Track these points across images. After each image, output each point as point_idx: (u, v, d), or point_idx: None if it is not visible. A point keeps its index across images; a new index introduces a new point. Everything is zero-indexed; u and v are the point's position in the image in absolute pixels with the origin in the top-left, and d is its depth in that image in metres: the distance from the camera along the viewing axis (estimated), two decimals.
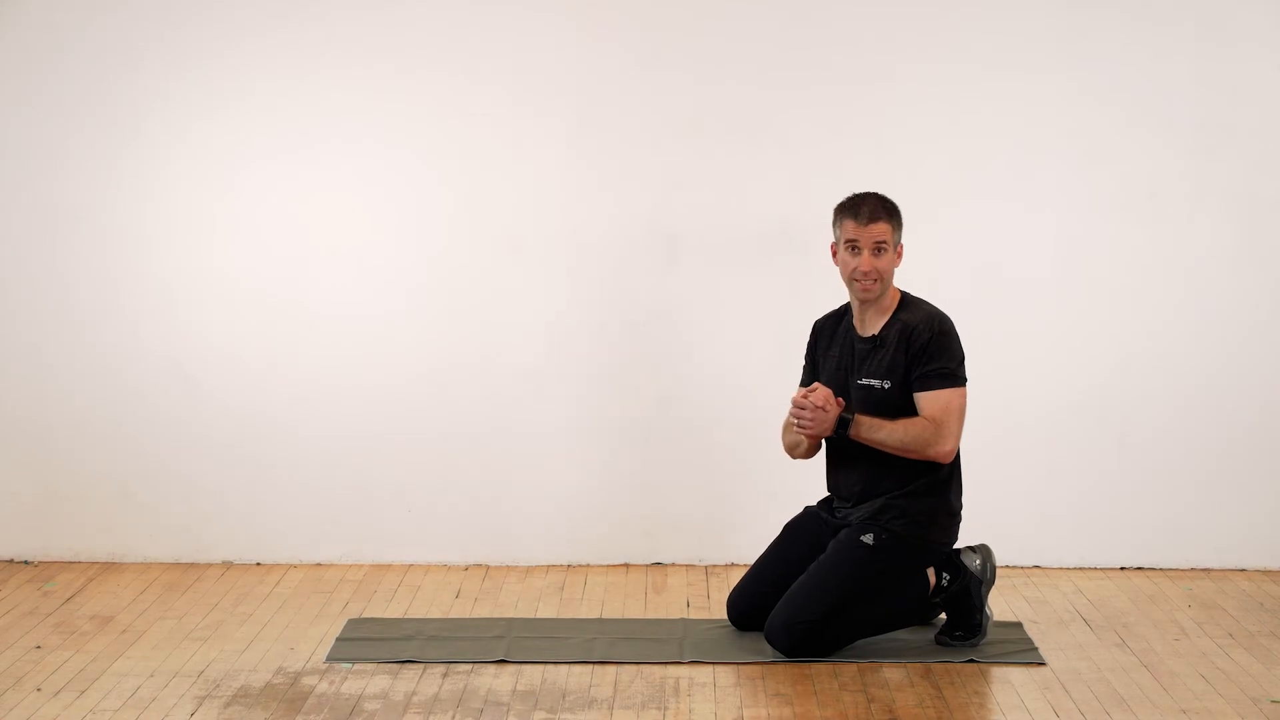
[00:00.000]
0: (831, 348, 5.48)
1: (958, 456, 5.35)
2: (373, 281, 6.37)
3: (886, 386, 5.30)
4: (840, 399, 5.29)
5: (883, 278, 5.32)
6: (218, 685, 5.00)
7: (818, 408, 5.27)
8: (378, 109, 6.31)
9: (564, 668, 5.15)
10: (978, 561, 5.38)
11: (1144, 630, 5.58)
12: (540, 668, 5.15)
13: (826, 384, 5.36)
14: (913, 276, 6.33)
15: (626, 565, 6.33)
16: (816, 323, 5.58)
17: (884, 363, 5.32)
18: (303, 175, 6.33)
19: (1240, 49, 6.23)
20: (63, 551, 6.42)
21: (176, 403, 6.39)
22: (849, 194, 5.40)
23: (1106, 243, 6.31)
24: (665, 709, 4.82)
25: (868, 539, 5.28)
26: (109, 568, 6.34)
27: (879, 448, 5.27)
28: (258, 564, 6.41)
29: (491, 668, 5.15)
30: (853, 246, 5.31)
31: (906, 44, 6.26)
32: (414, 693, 4.94)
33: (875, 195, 5.36)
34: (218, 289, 6.37)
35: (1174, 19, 6.23)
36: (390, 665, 5.16)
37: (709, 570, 6.30)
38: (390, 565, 6.37)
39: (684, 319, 6.35)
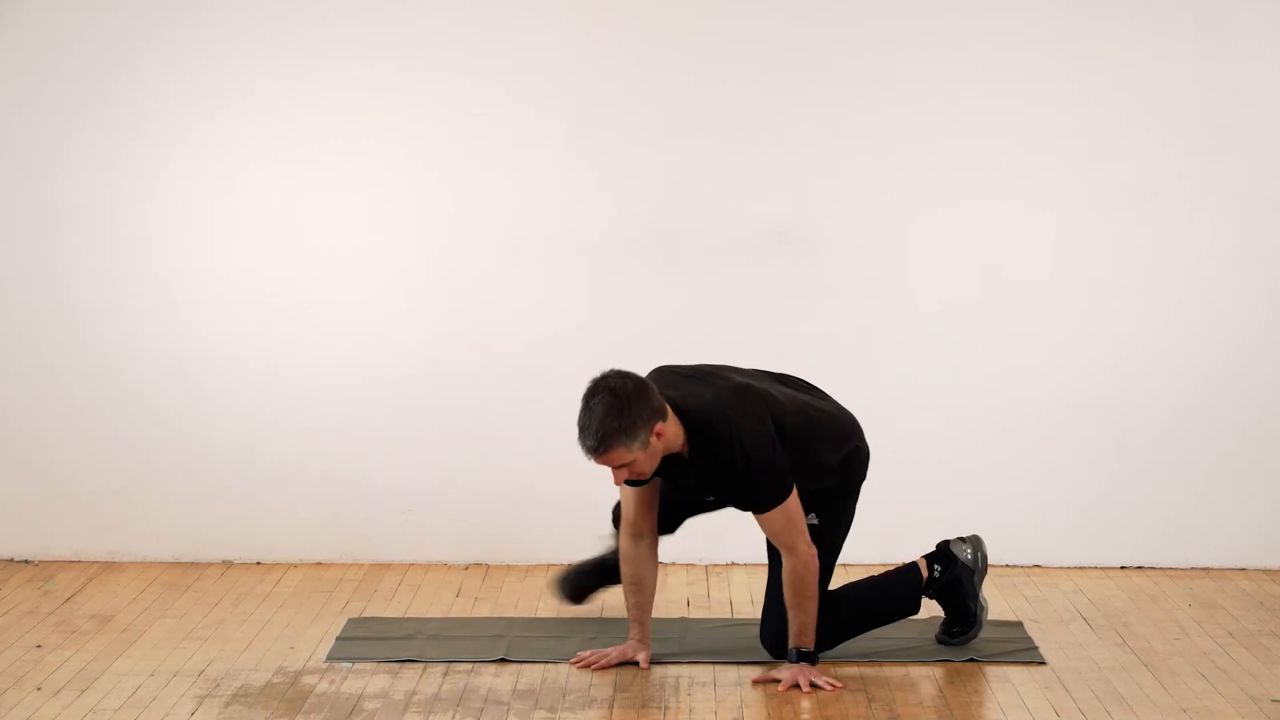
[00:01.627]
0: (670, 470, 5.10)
1: (799, 417, 5.07)
2: (373, 281, 6.36)
3: (709, 500, 5.19)
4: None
5: (644, 476, 4.93)
6: (218, 685, 5.00)
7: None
8: (378, 109, 6.30)
9: (564, 668, 5.15)
10: (969, 551, 5.35)
11: (1144, 630, 5.58)
12: (540, 668, 5.15)
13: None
14: (913, 276, 6.34)
15: None
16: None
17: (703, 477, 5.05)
18: (303, 175, 6.33)
19: (1240, 49, 6.23)
20: (63, 551, 6.42)
21: (176, 403, 6.39)
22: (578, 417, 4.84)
23: (1106, 243, 6.31)
24: (665, 709, 4.82)
25: (812, 519, 5.18)
26: (109, 568, 6.34)
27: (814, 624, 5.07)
28: (258, 564, 6.40)
29: (491, 667, 5.15)
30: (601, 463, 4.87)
31: (906, 44, 6.26)
32: (414, 692, 4.93)
33: (595, 418, 4.77)
34: (218, 289, 6.36)
35: (1174, 19, 6.23)
36: (390, 665, 5.16)
37: (709, 570, 6.30)
38: (390, 565, 6.37)
39: (684, 319, 6.35)
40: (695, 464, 4.96)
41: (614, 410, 4.79)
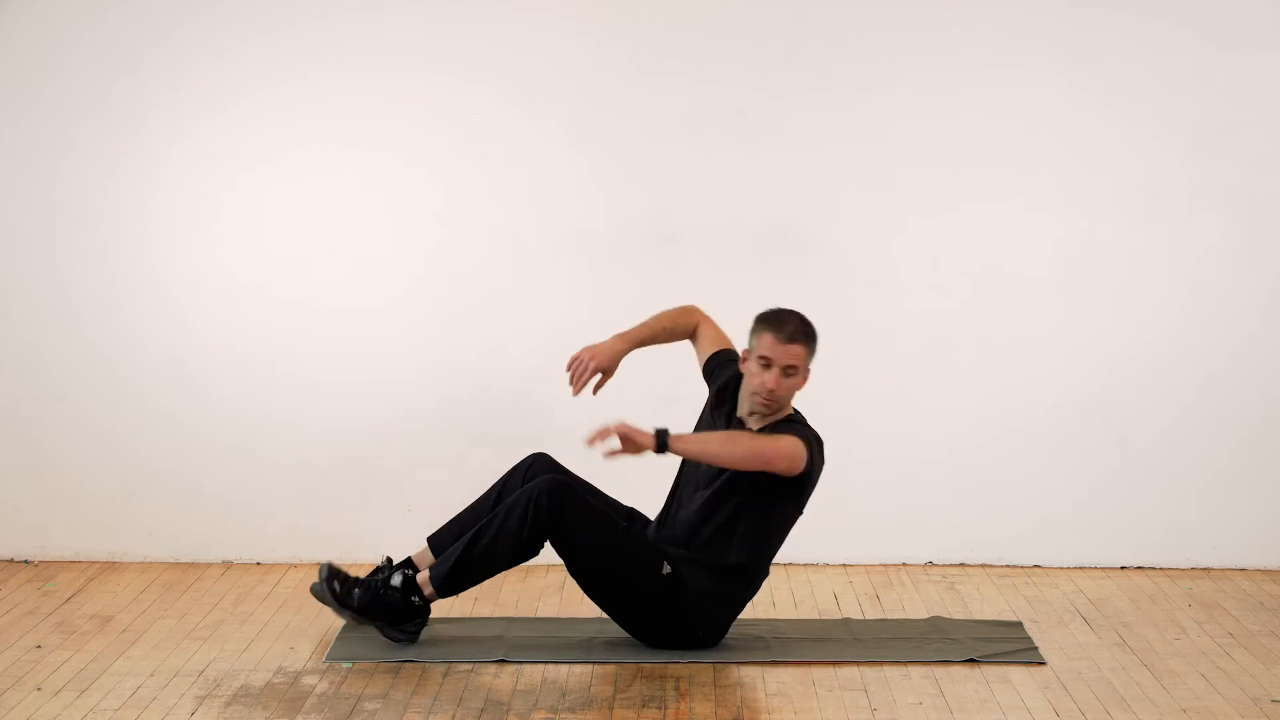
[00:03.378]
0: (719, 406, 5.42)
1: (760, 569, 5.27)
2: (373, 282, 6.37)
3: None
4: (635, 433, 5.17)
5: (781, 401, 5.26)
6: (218, 685, 5.00)
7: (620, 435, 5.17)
8: (377, 110, 6.31)
9: (564, 667, 5.15)
10: (411, 628, 5.28)
11: (1144, 630, 5.58)
12: (540, 667, 5.15)
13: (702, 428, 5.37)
14: (913, 277, 6.34)
15: None
16: (726, 364, 5.48)
17: None
18: (303, 176, 6.33)
19: (1241, 49, 6.23)
20: (63, 551, 6.42)
21: (176, 402, 6.39)
22: (772, 308, 5.31)
23: (1106, 243, 6.31)
24: (665, 709, 4.82)
25: (665, 568, 5.22)
26: (109, 568, 6.34)
27: (701, 460, 5.18)
28: (258, 564, 6.40)
29: (491, 668, 5.15)
30: (766, 362, 5.23)
31: (906, 44, 6.26)
32: (414, 692, 4.93)
33: (799, 316, 5.25)
34: (218, 288, 6.37)
35: (1174, 19, 6.23)
36: (390, 665, 5.16)
37: None
38: None
39: None
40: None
41: (810, 325, 5.25)
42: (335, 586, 5.27)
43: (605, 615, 5.70)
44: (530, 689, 4.97)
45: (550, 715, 4.77)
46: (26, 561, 6.41)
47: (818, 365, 6.32)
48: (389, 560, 5.45)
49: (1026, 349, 6.34)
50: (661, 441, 5.14)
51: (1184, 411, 6.34)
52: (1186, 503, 6.36)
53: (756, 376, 5.25)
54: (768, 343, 5.22)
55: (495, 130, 6.32)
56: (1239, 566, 6.35)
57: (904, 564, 6.36)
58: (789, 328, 5.21)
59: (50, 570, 6.30)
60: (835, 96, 6.28)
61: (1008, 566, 6.34)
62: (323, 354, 6.38)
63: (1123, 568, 6.37)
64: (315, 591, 5.36)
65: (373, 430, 6.40)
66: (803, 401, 6.37)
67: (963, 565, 6.39)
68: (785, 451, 5.14)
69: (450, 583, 5.24)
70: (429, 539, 5.50)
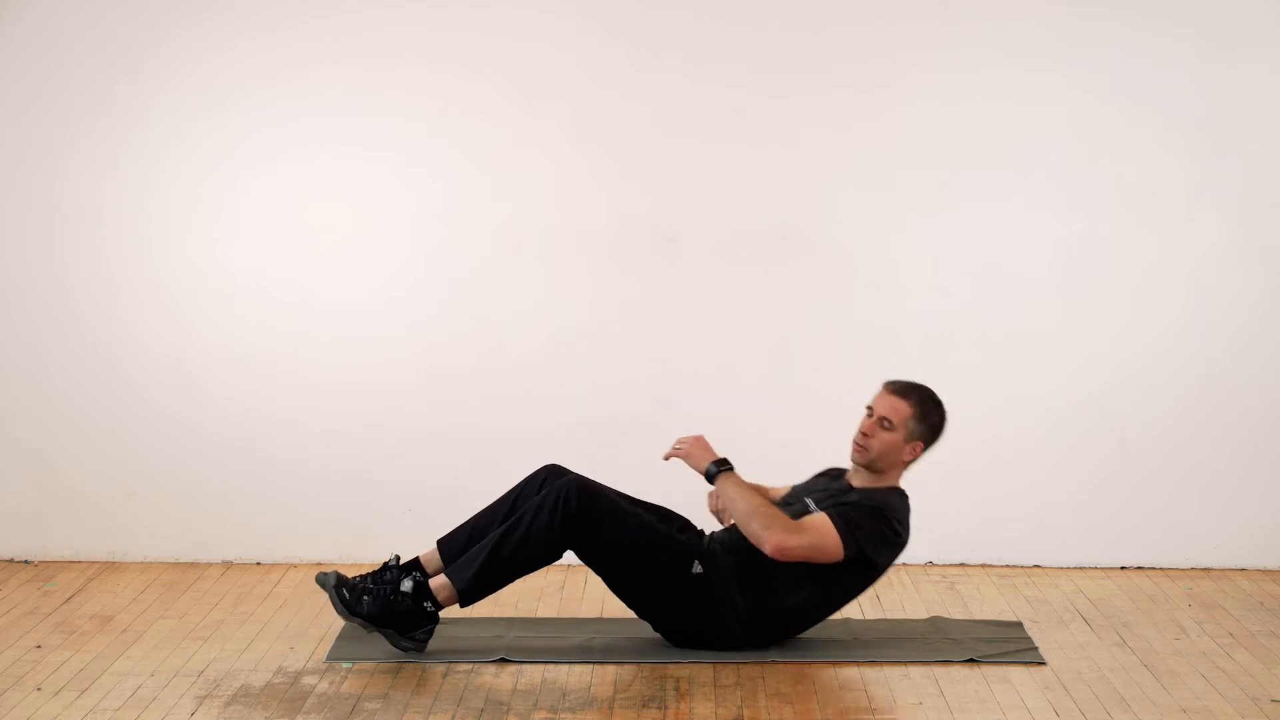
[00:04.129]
0: (835, 474, 5.49)
1: (804, 588, 5.25)
2: (373, 282, 6.37)
3: (811, 508, 5.29)
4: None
5: (873, 450, 5.28)
6: (218, 685, 5.00)
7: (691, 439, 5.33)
8: (377, 110, 6.31)
9: (564, 667, 5.15)
10: (421, 635, 5.23)
11: (1144, 630, 5.58)
12: (540, 667, 5.15)
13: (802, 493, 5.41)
14: (913, 277, 6.34)
15: None
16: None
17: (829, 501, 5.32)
18: (303, 176, 6.33)
19: (1241, 49, 6.23)
20: (63, 551, 6.42)
21: (177, 402, 6.39)
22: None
23: (1106, 243, 6.31)
24: (665, 709, 4.82)
25: (696, 568, 5.24)
26: (109, 568, 6.34)
27: (729, 504, 5.22)
28: (258, 564, 6.41)
29: (491, 667, 5.15)
30: (869, 411, 5.33)
31: (906, 44, 6.26)
32: (414, 693, 4.94)
33: (920, 386, 5.33)
34: (218, 288, 6.37)
35: (1174, 19, 6.23)
36: (390, 665, 5.16)
37: None
38: None
39: (684, 318, 6.35)
40: (848, 490, 5.32)
41: (932, 400, 5.31)
42: (344, 594, 5.19)
43: (605, 616, 5.71)
44: (530, 689, 4.97)
45: (550, 715, 4.77)
46: (26, 561, 6.41)
47: (818, 365, 6.33)
48: (397, 558, 5.37)
49: (1026, 349, 6.34)
50: (711, 472, 5.25)
51: (1184, 411, 6.35)
52: (1186, 503, 6.36)
53: (860, 424, 5.33)
54: (876, 393, 5.34)
55: (495, 130, 6.32)
56: (1239, 566, 6.36)
57: (904, 564, 6.35)
58: (899, 384, 5.32)
59: (50, 570, 6.30)
60: (835, 96, 6.28)
61: (1008, 566, 6.34)
62: (323, 354, 6.38)
63: (1123, 568, 6.37)
64: (319, 581, 5.25)
65: (373, 430, 6.40)
66: (803, 402, 6.38)
67: (963, 565, 6.39)
68: (803, 545, 5.13)
69: (477, 585, 5.18)
70: (439, 542, 5.43)
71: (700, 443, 5.32)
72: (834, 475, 5.47)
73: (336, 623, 5.58)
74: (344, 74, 6.29)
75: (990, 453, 6.34)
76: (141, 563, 6.40)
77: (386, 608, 5.17)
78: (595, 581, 6.09)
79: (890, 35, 6.26)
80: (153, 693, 4.93)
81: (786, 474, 6.09)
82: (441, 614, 5.65)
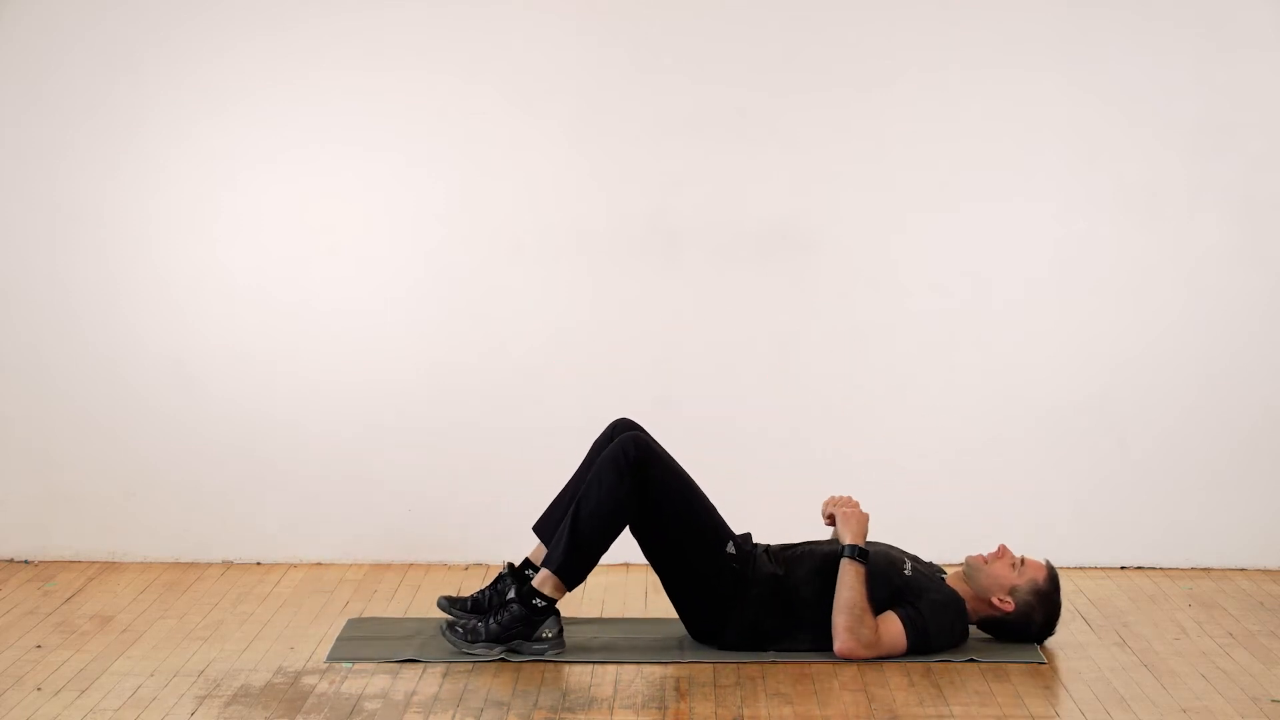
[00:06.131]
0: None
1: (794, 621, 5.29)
2: (373, 282, 6.37)
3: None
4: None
5: (993, 565, 5.34)
6: (218, 685, 5.00)
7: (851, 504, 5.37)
8: (377, 110, 6.31)
9: (564, 668, 5.15)
10: (548, 633, 5.23)
11: (1144, 630, 5.58)
12: (540, 668, 5.15)
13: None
14: (913, 277, 6.34)
15: (626, 565, 6.32)
16: None
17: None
18: (303, 176, 6.33)
19: (1241, 49, 6.23)
20: (63, 551, 6.42)
21: (177, 402, 6.39)
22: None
23: (1106, 243, 6.31)
24: (665, 709, 4.82)
25: (730, 548, 5.28)
26: (109, 568, 6.34)
27: (841, 585, 5.22)
28: (258, 564, 6.41)
29: (491, 668, 5.15)
30: (998, 552, 5.37)
31: (905, 44, 6.26)
32: (414, 693, 4.94)
33: (1059, 594, 5.35)
34: (218, 288, 6.37)
35: (1174, 19, 6.23)
36: (390, 665, 5.16)
37: None
38: (390, 565, 6.37)
39: (684, 318, 6.35)
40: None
41: (1052, 597, 5.33)
42: (458, 630, 5.22)
43: (604, 616, 5.71)
44: (530, 689, 4.97)
45: (550, 715, 4.77)
46: (26, 561, 6.41)
47: (818, 365, 6.33)
48: (509, 565, 5.38)
49: (1026, 349, 6.34)
50: (850, 550, 5.24)
51: (1184, 411, 6.34)
52: (1186, 503, 6.36)
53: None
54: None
55: (495, 130, 6.32)
56: (1239, 566, 6.35)
57: None
58: (1053, 567, 5.38)
59: (50, 570, 6.30)
60: (835, 96, 6.28)
61: None
62: (323, 354, 6.38)
63: (1123, 568, 6.37)
64: (445, 636, 5.28)
65: (373, 430, 6.40)
66: (802, 402, 6.38)
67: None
68: (869, 656, 5.18)
69: (574, 564, 5.20)
70: (534, 528, 5.47)
71: (863, 519, 5.31)
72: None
73: (337, 623, 5.59)
74: (344, 74, 6.29)
75: (990, 453, 6.34)
76: (141, 563, 6.40)
77: (503, 625, 5.20)
78: (595, 581, 6.10)
79: (890, 35, 6.26)
80: (153, 693, 4.94)
81: (786, 474, 6.10)
82: (440, 615, 5.66)
